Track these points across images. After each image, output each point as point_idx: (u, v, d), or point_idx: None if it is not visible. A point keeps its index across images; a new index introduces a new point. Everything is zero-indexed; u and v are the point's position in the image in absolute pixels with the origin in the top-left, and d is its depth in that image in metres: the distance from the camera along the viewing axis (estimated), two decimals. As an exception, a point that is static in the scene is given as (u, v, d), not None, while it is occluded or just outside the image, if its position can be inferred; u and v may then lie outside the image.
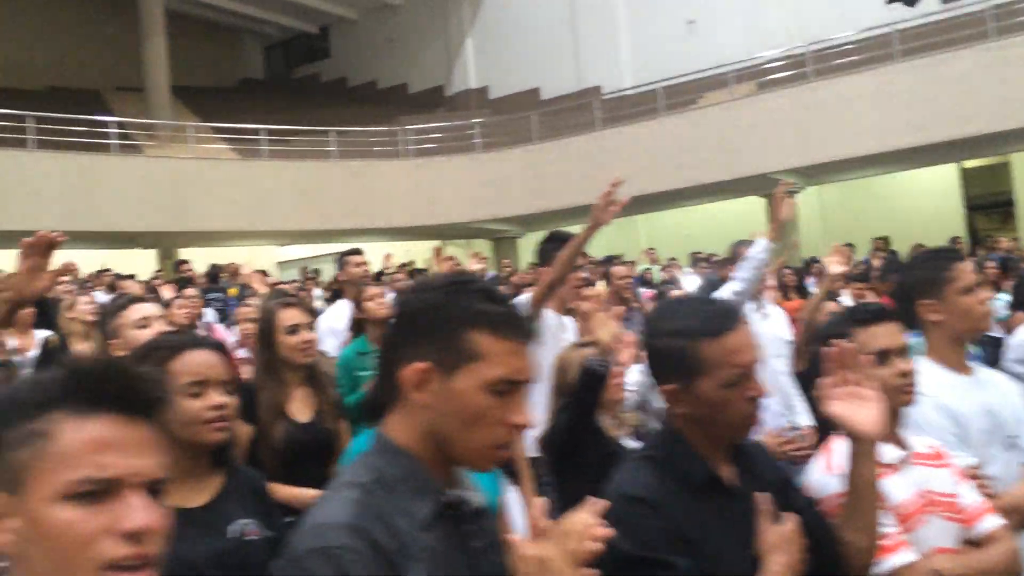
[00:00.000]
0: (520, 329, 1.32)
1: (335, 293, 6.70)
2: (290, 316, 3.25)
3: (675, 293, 7.34)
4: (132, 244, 17.44)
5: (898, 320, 2.13)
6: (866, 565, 1.77)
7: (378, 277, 8.24)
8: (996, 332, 5.04)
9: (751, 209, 16.74)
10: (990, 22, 14.14)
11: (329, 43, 28.40)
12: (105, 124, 17.07)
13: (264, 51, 30.25)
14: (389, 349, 1.36)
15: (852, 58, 15.78)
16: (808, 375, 3.58)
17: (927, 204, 18.19)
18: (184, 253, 18.39)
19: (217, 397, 1.90)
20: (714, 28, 20.32)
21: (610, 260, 11.36)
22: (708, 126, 16.44)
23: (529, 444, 2.99)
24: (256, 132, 18.31)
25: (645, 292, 9.24)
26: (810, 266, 11.63)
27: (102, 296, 10.51)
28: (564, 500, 2.62)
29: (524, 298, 3.91)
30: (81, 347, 5.15)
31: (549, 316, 3.93)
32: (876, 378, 1.85)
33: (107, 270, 12.80)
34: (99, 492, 0.95)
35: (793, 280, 8.66)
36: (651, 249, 14.80)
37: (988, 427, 2.31)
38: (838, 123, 14.88)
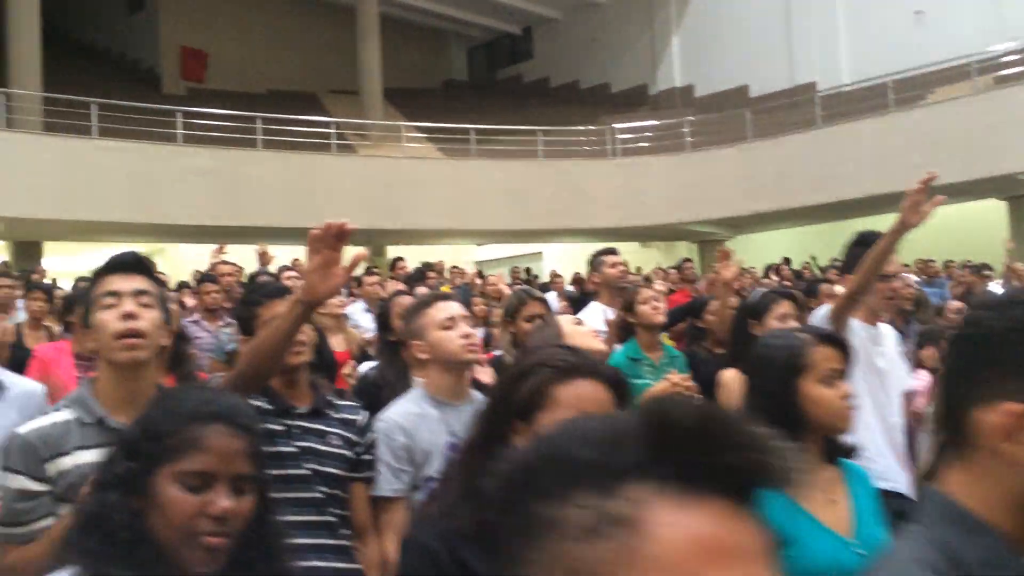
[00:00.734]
0: None
1: (581, 295, 6.42)
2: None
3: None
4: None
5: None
6: None
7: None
8: None
9: (990, 212, 15.34)
10: None
11: (532, 43, 28.51)
12: (327, 125, 17.75)
13: (467, 53, 30.76)
14: (954, 382, 0.99)
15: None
16: None
17: None
18: (392, 251, 18.90)
19: None
20: (945, 19, 18.93)
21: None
22: (943, 122, 15.19)
23: None
24: (466, 132, 18.53)
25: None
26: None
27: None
28: None
29: (823, 310, 3.51)
30: (334, 340, 5.11)
31: (856, 327, 3.48)
32: None
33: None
34: None
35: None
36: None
37: None
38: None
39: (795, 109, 19.02)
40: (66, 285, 9.59)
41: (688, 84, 24.06)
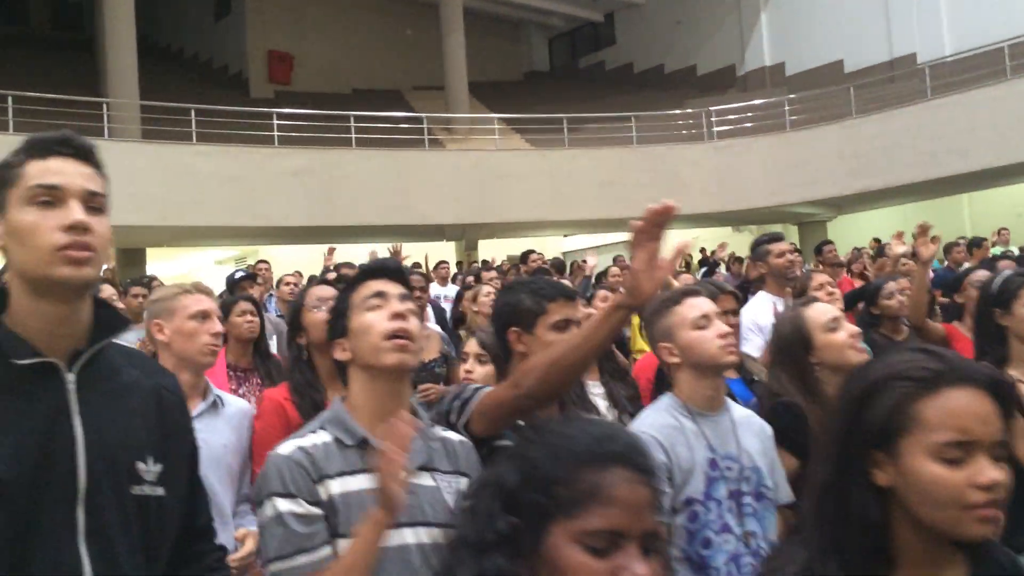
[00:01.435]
0: None
1: (744, 283, 6.07)
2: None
3: None
4: (440, 236, 17.90)
5: None
6: None
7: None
8: None
9: None
10: None
11: (615, 29, 28.01)
12: (418, 120, 17.66)
13: (548, 42, 30.40)
14: None
15: None
16: None
17: None
18: (483, 244, 18.74)
19: None
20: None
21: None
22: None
23: None
24: (556, 123, 18.23)
25: None
26: None
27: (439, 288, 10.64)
28: None
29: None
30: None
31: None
32: None
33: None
34: None
35: None
36: (1004, 229, 12.99)
37: None
38: None
39: (895, 83, 18.21)
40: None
41: (778, 62, 23.29)
